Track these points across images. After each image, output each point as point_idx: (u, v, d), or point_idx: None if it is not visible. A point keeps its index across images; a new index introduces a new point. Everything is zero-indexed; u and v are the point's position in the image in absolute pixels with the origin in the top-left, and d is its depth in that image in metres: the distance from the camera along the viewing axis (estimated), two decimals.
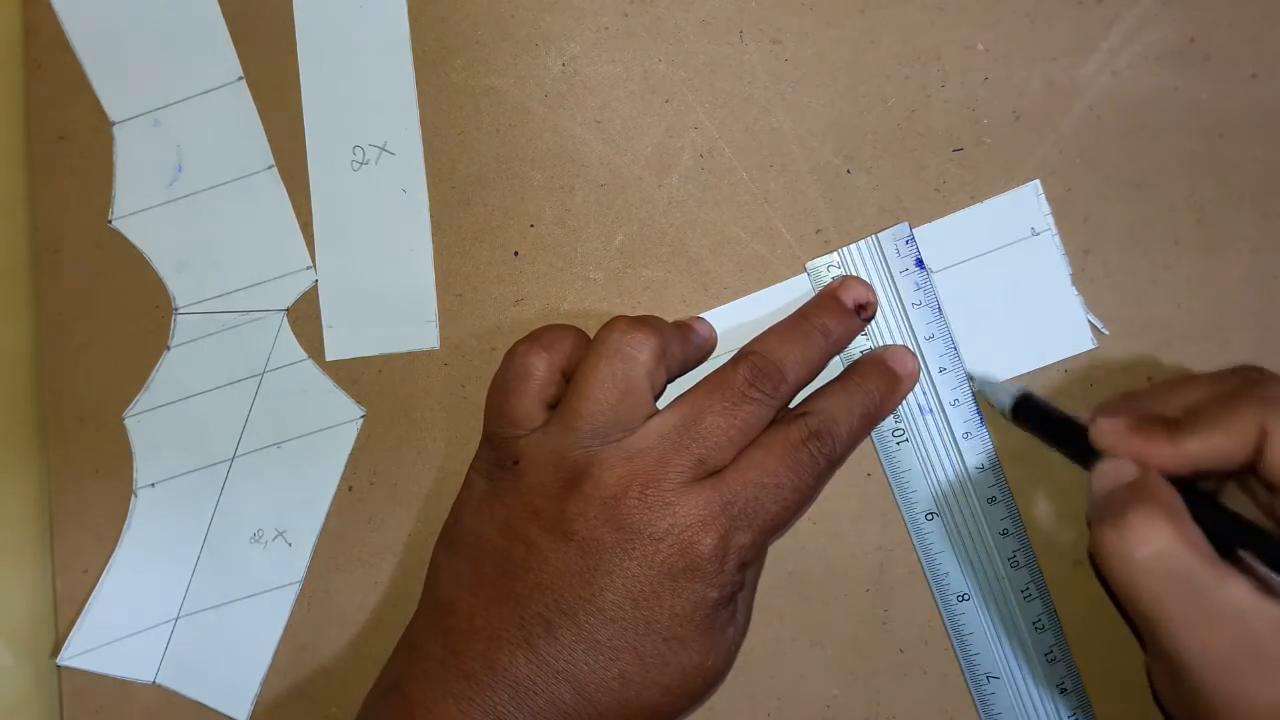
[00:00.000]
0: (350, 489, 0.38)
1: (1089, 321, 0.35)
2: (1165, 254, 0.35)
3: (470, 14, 0.37)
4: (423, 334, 0.37)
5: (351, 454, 0.38)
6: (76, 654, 0.38)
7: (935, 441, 0.35)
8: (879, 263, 0.36)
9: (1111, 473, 0.30)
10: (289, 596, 0.38)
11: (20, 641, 0.38)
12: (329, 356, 0.38)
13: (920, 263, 0.35)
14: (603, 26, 0.37)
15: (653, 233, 0.37)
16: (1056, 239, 0.35)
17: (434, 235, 0.37)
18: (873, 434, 0.36)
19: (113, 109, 0.38)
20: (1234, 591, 0.27)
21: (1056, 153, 0.35)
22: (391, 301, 0.37)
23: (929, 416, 0.35)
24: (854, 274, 0.36)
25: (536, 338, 0.34)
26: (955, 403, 0.35)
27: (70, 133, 0.38)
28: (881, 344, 0.36)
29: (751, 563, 0.32)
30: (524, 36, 0.37)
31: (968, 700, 0.36)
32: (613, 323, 0.33)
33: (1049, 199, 0.35)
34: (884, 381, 0.34)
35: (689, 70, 0.37)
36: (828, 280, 0.36)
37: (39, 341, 0.39)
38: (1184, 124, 0.35)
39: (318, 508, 0.38)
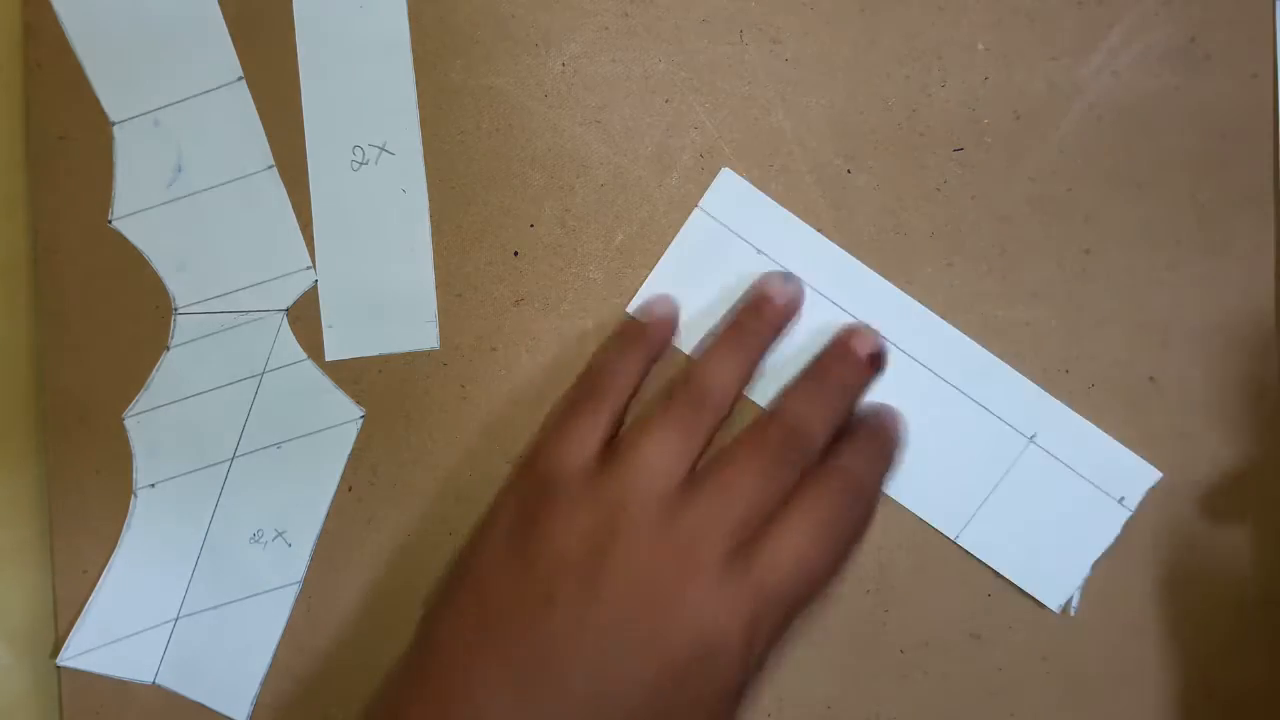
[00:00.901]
0: (350, 489, 0.38)
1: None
2: (1166, 254, 0.35)
3: (470, 14, 0.37)
4: (423, 334, 0.37)
5: (351, 454, 0.38)
6: (76, 654, 0.38)
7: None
8: None
9: None
10: (289, 596, 0.38)
11: (20, 641, 0.38)
12: (329, 356, 0.38)
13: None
14: (603, 26, 0.37)
15: (653, 233, 0.37)
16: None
17: (434, 235, 0.37)
18: None
19: (113, 109, 0.38)
20: None
21: (1057, 153, 0.35)
22: (391, 301, 0.37)
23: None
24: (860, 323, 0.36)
25: (630, 345, 0.34)
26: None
27: (70, 133, 0.38)
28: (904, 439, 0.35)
29: (777, 641, 0.31)
30: (524, 36, 0.37)
31: (968, 701, 0.36)
32: (702, 374, 0.33)
33: (1050, 199, 0.35)
34: (894, 426, 0.34)
35: (689, 70, 0.37)
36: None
37: (39, 342, 0.39)
38: (1185, 124, 0.35)
39: (318, 508, 0.38)
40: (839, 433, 0.34)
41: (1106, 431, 0.35)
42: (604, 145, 0.37)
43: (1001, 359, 0.36)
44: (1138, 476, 0.35)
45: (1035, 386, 0.35)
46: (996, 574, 0.36)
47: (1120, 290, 0.35)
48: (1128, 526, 0.35)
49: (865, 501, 0.33)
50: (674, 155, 0.37)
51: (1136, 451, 0.35)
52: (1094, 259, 0.36)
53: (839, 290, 0.36)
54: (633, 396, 0.35)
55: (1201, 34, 0.35)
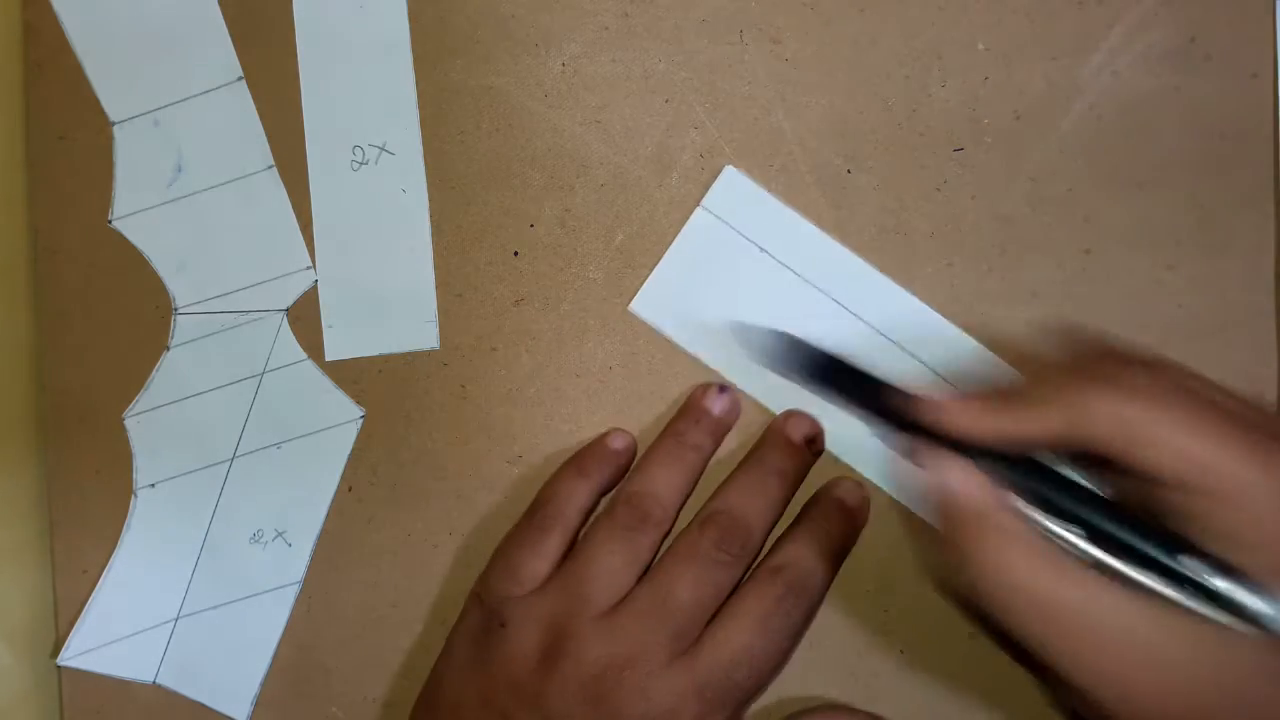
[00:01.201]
0: (350, 489, 0.38)
1: None
2: (1166, 254, 0.35)
3: (470, 14, 0.37)
4: (422, 334, 0.37)
5: (351, 454, 0.38)
6: (76, 654, 0.38)
7: None
8: None
9: (947, 483, 0.29)
10: (289, 596, 0.38)
11: (20, 641, 0.38)
12: (329, 356, 0.38)
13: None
14: (603, 26, 0.37)
15: (653, 233, 0.37)
16: None
17: (434, 235, 0.37)
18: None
19: (112, 109, 0.38)
20: (1103, 602, 0.26)
21: (1057, 152, 0.35)
22: (391, 301, 0.37)
23: None
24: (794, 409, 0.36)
25: (579, 476, 0.35)
26: None
27: (70, 133, 0.38)
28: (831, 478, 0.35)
29: None
30: (524, 36, 0.37)
31: (968, 701, 0.36)
32: (642, 491, 0.34)
33: (1050, 199, 0.35)
34: (843, 520, 0.35)
35: (689, 70, 0.37)
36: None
37: (39, 342, 0.39)
38: (1185, 124, 0.35)
39: (318, 508, 0.38)
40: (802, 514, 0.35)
41: None
42: (604, 145, 0.37)
43: (1003, 359, 0.36)
44: None
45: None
46: None
47: (1120, 290, 0.35)
48: None
49: (808, 594, 0.33)
50: (674, 155, 0.37)
51: None
52: (1094, 259, 0.35)
53: (841, 289, 0.36)
54: (582, 524, 0.35)
55: (1201, 34, 0.35)
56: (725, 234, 0.36)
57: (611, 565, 0.33)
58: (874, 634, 0.36)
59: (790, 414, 0.36)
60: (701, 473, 0.35)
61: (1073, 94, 0.35)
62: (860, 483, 0.36)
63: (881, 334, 0.36)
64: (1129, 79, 0.35)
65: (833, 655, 0.36)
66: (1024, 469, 0.29)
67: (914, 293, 0.36)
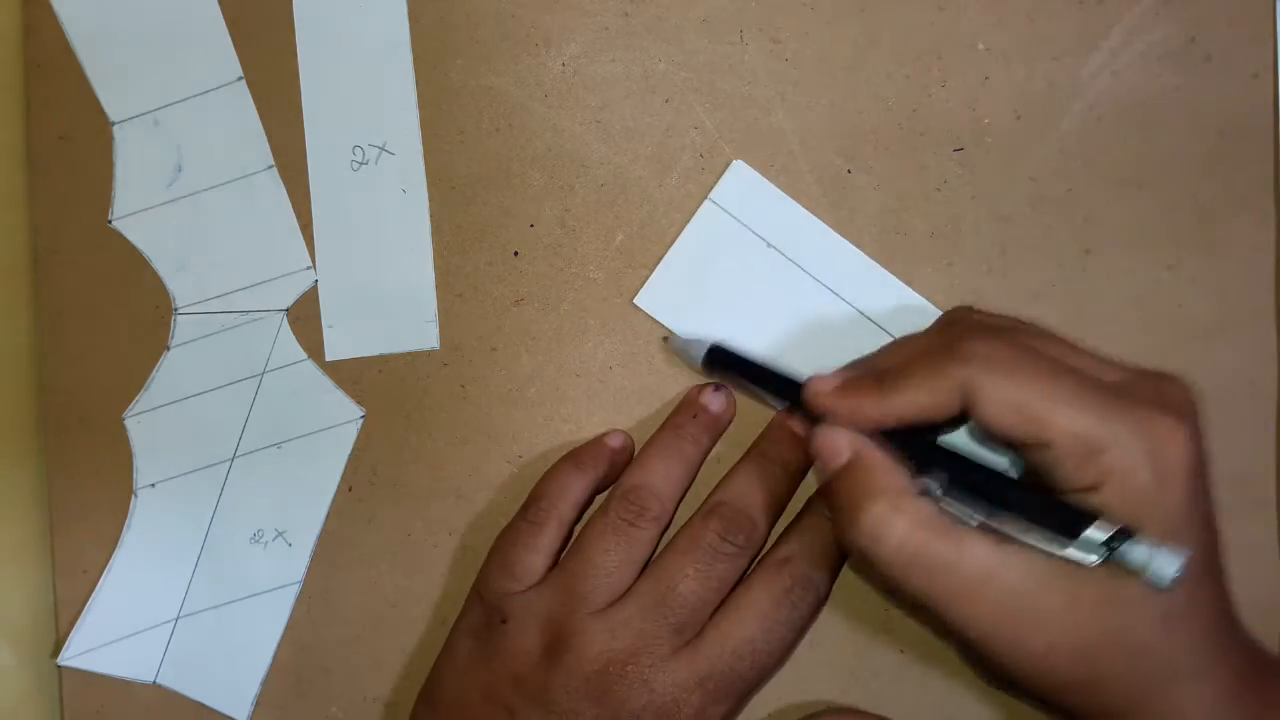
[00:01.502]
0: (350, 489, 0.38)
1: None
2: (1166, 254, 0.35)
3: (470, 14, 0.37)
4: (422, 334, 0.37)
5: (351, 454, 0.38)
6: (77, 654, 0.38)
7: None
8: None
9: (828, 450, 0.30)
10: (289, 596, 0.38)
11: (21, 641, 0.38)
12: (329, 357, 0.38)
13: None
14: (603, 26, 0.37)
15: (653, 233, 0.37)
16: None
17: (434, 235, 0.37)
18: None
19: (112, 109, 0.38)
20: (977, 555, 0.28)
21: (1057, 152, 0.35)
22: (391, 301, 0.37)
23: None
24: None
25: (574, 471, 0.35)
26: None
27: (70, 133, 0.38)
28: None
29: None
30: (524, 36, 0.37)
31: (968, 701, 0.36)
32: (640, 485, 0.34)
33: (1050, 199, 0.35)
34: None
35: (689, 70, 0.37)
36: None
37: (39, 342, 0.39)
38: (1185, 124, 0.35)
39: (318, 508, 0.38)
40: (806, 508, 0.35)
41: None
42: (604, 145, 0.37)
43: None
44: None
45: None
46: None
47: (1120, 290, 0.35)
48: None
49: (814, 588, 0.33)
50: (674, 155, 0.37)
51: None
52: (1094, 259, 0.35)
53: (847, 285, 0.36)
54: (578, 519, 0.35)
55: (1201, 34, 0.35)
56: (732, 227, 0.36)
57: (610, 560, 0.33)
58: (874, 634, 0.36)
59: (791, 408, 0.35)
60: (699, 468, 0.35)
61: (1073, 94, 0.35)
62: None
63: (885, 330, 0.36)
64: (1129, 79, 0.35)
65: (833, 655, 0.36)
66: (905, 441, 0.30)
67: (917, 290, 0.36)
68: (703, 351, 0.35)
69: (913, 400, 0.29)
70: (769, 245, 0.36)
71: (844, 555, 0.34)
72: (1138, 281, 0.35)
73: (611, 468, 0.36)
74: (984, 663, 0.29)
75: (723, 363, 0.35)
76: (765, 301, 0.36)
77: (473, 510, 0.37)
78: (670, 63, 0.37)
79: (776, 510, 0.34)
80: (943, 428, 0.31)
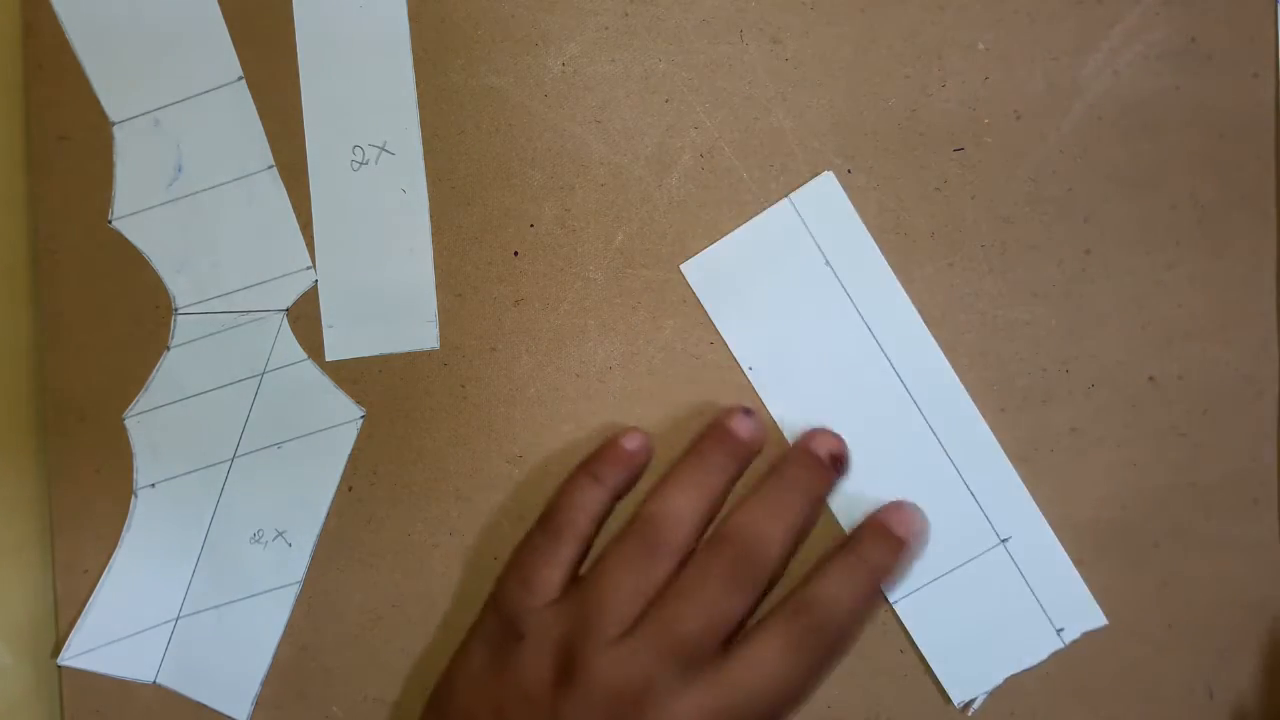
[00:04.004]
0: (350, 489, 0.38)
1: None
2: (1166, 254, 0.35)
3: (470, 14, 0.37)
4: (422, 334, 0.37)
5: (351, 454, 0.38)
6: (77, 654, 0.38)
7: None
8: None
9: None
10: (289, 596, 0.38)
11: (21, 641, 0.38)
12: (329, 356, 0.38)
13: None
14: (603, 26, 0.37)
15: (653, 233, 0.37)
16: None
17: (434, 235, 0.37)
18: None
19: (112, 109, 0.38)
20: None
21: (1057, 152, 0.35)
22: (391, 301, 0.37)
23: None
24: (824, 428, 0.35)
25: (591, 483, 0.34)
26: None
27: (70, 133, 0.38)
28: (882, 503, 0.35)
29: None
30: (524, 36, 0.37)
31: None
32: (660, 512, 0.33)
33: (1050, 199, 0.35)
34: (889, 551, 0.33)
35: (689, 70, 0.37)
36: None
37: (39, 342, 0.39)
38: (1185, 124, 0.35)
39: (318, 508, 0.38)
40: (840, 545, 0.34)
41: (1102, 441, 0.35)
42: (604, 145, 0.37)
43: (985, 399, 0.36)
44: (1084, 615, 0.35)
45: (1026, 492, 0.35)
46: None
47: (1120, 290, 0.35)
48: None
49: (836, 634, 0.32)
50: (674, 155, 0.37)
51: (1134, 450, 0.35)
52: (1094, 259, 0.35)
53: (885, 331, 0.36)
54: (597, 531, 0.35)
55: (1201, 34, 0.35)
56: (799, 233, 0.36)
57: (625, 590, 0.32)
58: (874, 634, 0.36)
59: (815, 431, 0.35)
60: (725, 497, 0.34)
61: (1073, 94, 0.35)
62: (915, 508, 0.34)
63: (908, 391, 0.35)
64: (1129, 79, 0.35)
65: None
66: None
67: (914, 294, 0.36)
68: None
69: None
70: (827, 263, 0.36)
71: (879, 595, 0.34)
72: (1138, 281, 0.35)
73: (630, 473, 0.35)
74: None
75: None
76: (802, 315, 0.36)
77: (473, 510, 0.37)
78: (670, 63, 0.37)
79: (794, 540, 0.33)
80: None
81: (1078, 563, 0.35)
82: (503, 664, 0.33)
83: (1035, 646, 0.35)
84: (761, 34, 0.36)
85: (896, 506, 0.34)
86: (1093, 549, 0.35)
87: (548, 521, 0.35)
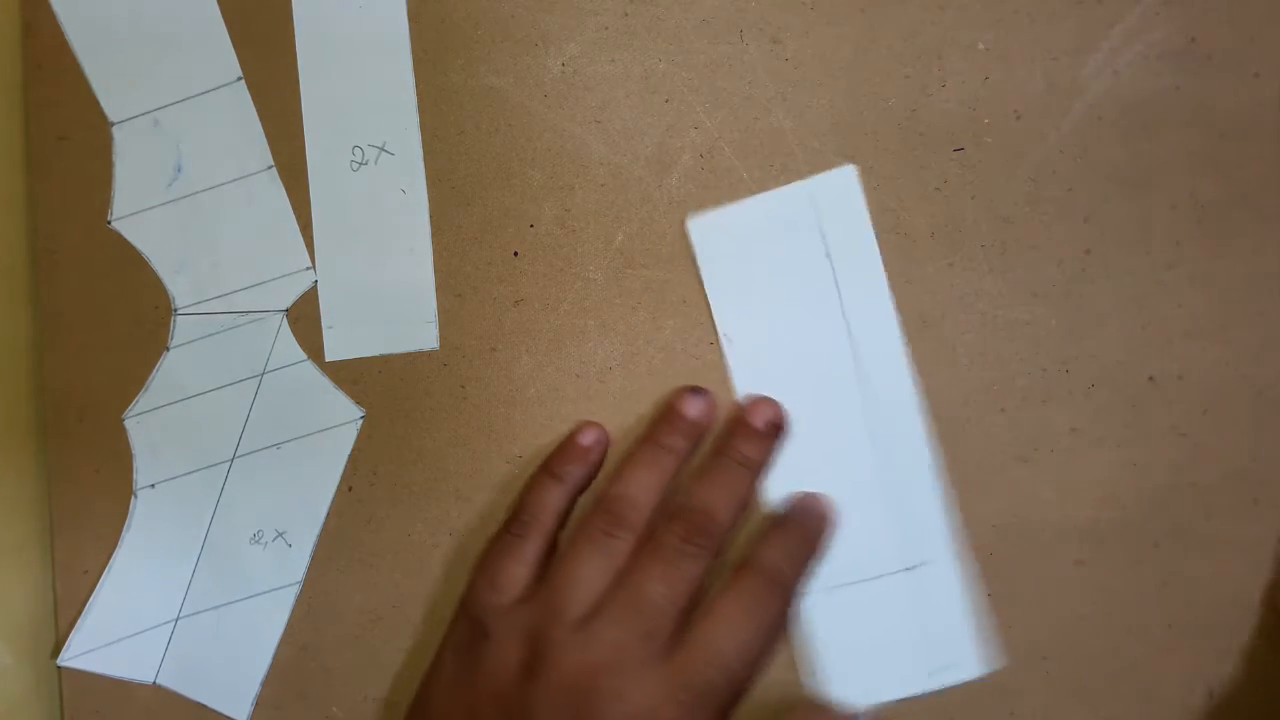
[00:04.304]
0: (350, 489, 0.38)
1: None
2: (1166, 254, 0.35)
3: (470, 14, 0.37)
4: (422, 334, 0.37)
5: (351, 454, 0.38)
6: (77, 654, 0.38)
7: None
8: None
9: None
10: (289, 596, 0.38)
11: (21, 642, 0.38)
12: (329, 357, 0.38)
13: None
14: (603, 26, 0.37)
15: (653, 233, 0.37)
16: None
17: (434, 235, 0.37)
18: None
19: (112, 109, 0.38)
20: None
21: (1057, 152, 0.35)
22: (391, 302, 0.37)
23: None
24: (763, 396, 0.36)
25: (552, 481, 0.35)
26: None
27: (70, 133, 0.38)
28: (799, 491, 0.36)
29: None
30: (524, 36, 0.37)
31: (967, 700, 0.36)
32: (619, 496, 0.34)
33: (1050, 199, 0.35)
34: (818, 523, 0.35)
35: (689, 70, 0.37)
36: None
37: (39, 342, 0.39)
38: (1185, 123, 0.35)
39: (318, 508, 0.38)
40: (775, 522, 0.35)
41: (1102, 441, 0.35)
42: (604, 145, 0.37)
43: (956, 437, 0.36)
44: (965, 660, 0.35)
45: (946, 527, 0.35)
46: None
47: (1120, 290, 0.35)
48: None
49: (782, 593, 0.34)
50: (674, 155, 0.37)
51: (1134, 449, 0.35)
52: (1094, 259, 0.35)
53: (860, 336, 0.36)
54: (561, 525, 0.36)
55: (1201, 34, 0.35)
56: (807, 218, 0.36)
57: (587, 573, 0.33)
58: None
59: (752, 400, 0.36)
60: (677, 472, 0.35)
61: (1073, 94, 0.35)
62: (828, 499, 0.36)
63: (862, 400, 0.36)
64: (1129, 79, 0.35)
65: None
66: None
67: (913, 294, 0.36)
68: None
69: None
70: (827, 254, 0.36)
71: (811, 561, 0.35)
72: (1138, 281, 0.35)
73: (589, 467, 0.36)
74: None
75: None
76: (789, 298, 0.36)
77: (473, 510, 0.37)
78: (670, 63, 0.37)
79: (740, 506, 0.35)
80: None
81: (1075, 563, 0.35)
82: (472, 666, 0.33)
83: (908, 680, 0.35)
84: (761, 34, 0.36)
85: (813, 494, 0.36)
86: (1093, 549, 0.35)
87: (512, 522, 0.36)
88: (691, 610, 0.33)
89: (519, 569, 0.34)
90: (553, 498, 0.35)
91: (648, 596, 0.33)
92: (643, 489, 0.35)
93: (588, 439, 0.36)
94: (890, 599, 0.35)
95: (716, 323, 0.36)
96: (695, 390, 0.36)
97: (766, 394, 0.36)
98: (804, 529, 0.35)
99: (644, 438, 0.36)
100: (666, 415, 0.36)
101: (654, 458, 0.35)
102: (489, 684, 0.33)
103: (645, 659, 0.32)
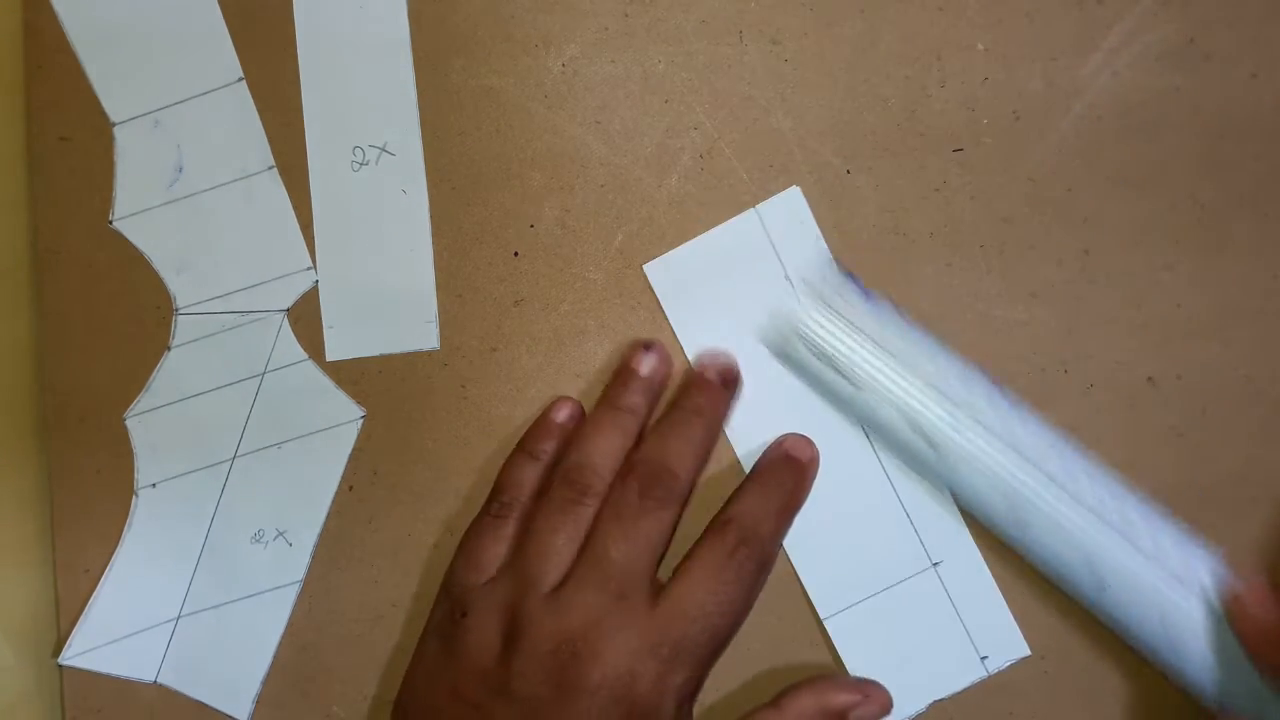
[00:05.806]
0: (350, 489, 0.38)
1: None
2: (1165, 254, 0.35)
3: (470, 14, 0.37)
4: (423, 334, 0.37)
5: (351, 454, 0.38)
6: (78, 653, 0.38)
7: None
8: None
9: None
10: (289, 596, 0.38)
11: (21, 641, 0.38)
12: (329, 357, 0.38)
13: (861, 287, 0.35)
14: (603, 27, 0.37)
15: (653, 233, 0.37)
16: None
17: (434, 235, 0.37)
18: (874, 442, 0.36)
19: (113, 110, 0.38)
20: None
21: (1056, 153, 0.35)
22: (391, 302, 0.37)
23: None
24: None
25: (525, 460, 0.35)
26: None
27: (70, 133, 0.38)
28: (777, 435, 0.36)
29: (692, 697, 0.33)
30: (524, 36, 0.37)
31: (968, 699, 0.36)
32: (580, 462, 0.34)
33: (1050, 199, 0.35)
34: (792, 473, 0.35)
35: (689, 70, 0.37)
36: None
37: (39, 342, 0.39)
38: (1184, 124, 0.35)
39: (318, 508, 0.38)
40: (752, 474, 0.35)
41: (1102, 441, 0.35)
42: (604, 145, 0.37)
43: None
44: (1009, 645, 0.35)
45: (960, 522, 0.35)
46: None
47: (1120, 290, 0.35)
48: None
49: (759, 545, 0.33)
50: (674, 155, 0.37)
51: (1134, 449, 0.35)
52: (1094, 259, 0.36)
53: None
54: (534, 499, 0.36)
55: (1201, 34, 0.35)
56: (761, 245, 0.36)
57: (556, 542, 0.33)
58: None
59: (704, 354, 0.36)
60: (639, 431, 0.35)
61: (1073, 94, 0.35)
62: (809, 438, 0.35)
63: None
64: (1129, 79, 0.35)
65: (833, 656, 0.36)
66: None
67: (912, 295, 0.36)
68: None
69: None
70: (786, 276, 0.36)
71: (789, 514, 0.35)
72: (1137, 281, 0.35)
73: (564, 443, 0.36)
74: None
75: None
76: (758, 325, 0.36)
77: (473, 510, 0.37)
78: (670, 63, 0.37)
79: (697, 459, 0.34)
80: None
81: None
82: (453, 647, 0.33)
83: (961, 673, 0.35)
84: (761, 35, 0.36)
85: (795, 436, 0.36)
86: None
87: (490, 503, 0.36)
88: (661, 563, 0.33)
89: (497, 547, 0.35)
90: (530, 476, 0.35)
91: (610, 557, 0.33)
92: (603, 454, 0.34)
93: (562, 415, 0.36)
94: (923, 598, 0.35)
95: (691, 363, 0.36)
96: (648, 346, 0.36)
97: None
98: (779, 477, 0.35)
99: (601, 400, 0.36)
100: (621, 375, 0.36)
101: (614, 420, 0.35)
102: (470, 661, 0.33)
103: (621, 619, 0.32)
